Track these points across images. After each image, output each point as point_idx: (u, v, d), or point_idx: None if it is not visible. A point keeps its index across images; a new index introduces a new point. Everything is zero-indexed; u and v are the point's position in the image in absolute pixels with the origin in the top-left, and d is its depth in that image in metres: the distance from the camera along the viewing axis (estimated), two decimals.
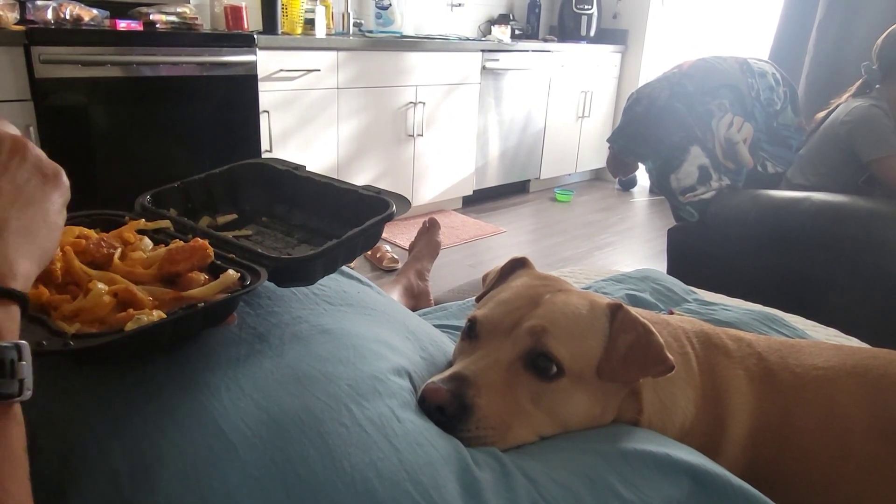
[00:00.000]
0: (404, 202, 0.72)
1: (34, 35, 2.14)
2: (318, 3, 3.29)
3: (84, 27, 2.42)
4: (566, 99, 4.49)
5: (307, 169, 0.81)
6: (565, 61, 4.33)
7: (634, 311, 0.69)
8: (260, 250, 0.63)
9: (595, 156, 4.88)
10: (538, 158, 4.48)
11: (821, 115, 2.32)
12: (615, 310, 0.68)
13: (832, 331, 1.26)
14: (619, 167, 2.44)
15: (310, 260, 0.63)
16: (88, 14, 2.47)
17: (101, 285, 0.53)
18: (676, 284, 1.33)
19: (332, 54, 3.04)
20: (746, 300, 1.38)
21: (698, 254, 2.25)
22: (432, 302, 1.93)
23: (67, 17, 2.41)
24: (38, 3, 2.35)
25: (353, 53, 3.13)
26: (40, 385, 0.54)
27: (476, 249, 3.38)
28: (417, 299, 1.96)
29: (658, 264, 2.88)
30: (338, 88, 3.12)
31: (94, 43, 2.30)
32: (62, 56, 2.20)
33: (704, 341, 0.78)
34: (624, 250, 3.54)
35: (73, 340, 0.48)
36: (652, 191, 4.69)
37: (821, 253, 1.94)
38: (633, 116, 2.26)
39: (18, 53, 2.12)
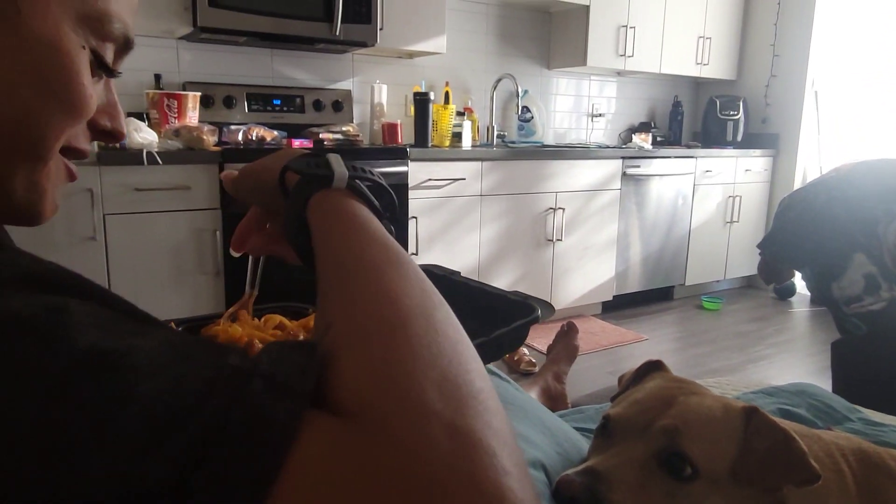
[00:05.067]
0: (549, 308, 0.77)
1: (227, 154, 2.52)
2: (465, 118, 3.56)
3: (266, 146, 2.82)
4: (712, 204, 4.37)
5: (461, 275, 0.90)
6: (711, 166, 4.26)
7: (775, 418, 0.66)
8: None
9: (746, 262, 4.64)
10: (683, 264, 4.34)
11: None
12: (750, 413, 0.66)
13: None
14: (771, 274, 2.33)
15: None
16: (270, 135, 2.88)
17: None
18: (836, 401, 1.22)
19: (477, 164, 3.24)
20: None
21: (867, 370, 2.04)
22: (569, 405, 1.90)
23: (254, 138, 2.82)
24: (233, 127, 2.79)
25: (496, 163, 3.32)
26: None
27: (616, 356, 3.28)
28: (554, 401, 1.94)
29: (822, 381, 2.61)
30: (481, 195, 3.29)
31: None
32: None
33: (863, 460, 0.72)
34: (782, 364, 3.26)
35: None
36: (813, 301, 4.33)
37: None
38: (786, 222, 2.18)
39: (214, 170, 2.50)
